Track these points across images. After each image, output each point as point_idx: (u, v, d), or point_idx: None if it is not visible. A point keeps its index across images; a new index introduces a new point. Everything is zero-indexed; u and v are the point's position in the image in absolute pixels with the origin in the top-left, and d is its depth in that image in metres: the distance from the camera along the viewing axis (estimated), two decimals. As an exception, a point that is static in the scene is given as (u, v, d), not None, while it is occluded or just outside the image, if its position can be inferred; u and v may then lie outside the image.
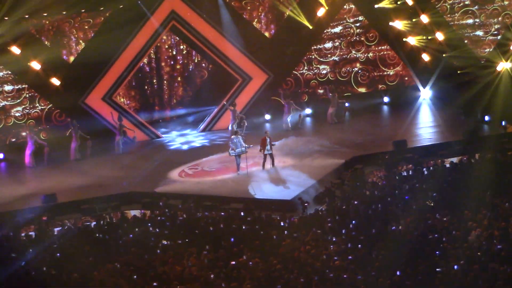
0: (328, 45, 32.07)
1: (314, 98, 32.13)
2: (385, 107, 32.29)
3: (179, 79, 32.29)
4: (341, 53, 32.16)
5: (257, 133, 27.60)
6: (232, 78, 31.16)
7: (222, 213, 19.94)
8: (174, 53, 32.05)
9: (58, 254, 17.28)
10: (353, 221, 17.72)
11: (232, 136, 24.36)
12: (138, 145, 29.65)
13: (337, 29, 31.98)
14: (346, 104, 31.30)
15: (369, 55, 32.41)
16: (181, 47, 32.05)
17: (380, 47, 32.43)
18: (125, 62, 29.71)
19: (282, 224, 18.45)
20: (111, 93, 29.81)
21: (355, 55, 32.32)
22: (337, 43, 32.06)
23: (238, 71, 31.03)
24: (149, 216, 20.26)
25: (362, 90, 32.63)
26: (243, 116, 29.03)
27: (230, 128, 29.20)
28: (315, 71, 32.08)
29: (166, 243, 17.75)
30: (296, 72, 32.06)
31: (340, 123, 29.83)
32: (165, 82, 32.11)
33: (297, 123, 29.85)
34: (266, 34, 31.40)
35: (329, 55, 32.11)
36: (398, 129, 28.22)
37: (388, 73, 32.65)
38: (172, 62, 32.06)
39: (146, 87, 31.95)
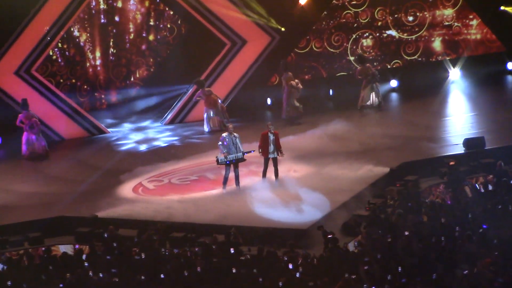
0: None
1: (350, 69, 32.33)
2: (453, 85, 32.47)
3: (134, 45, 32.34)
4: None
5: (255, 127, 27.66)
6: (216, 42, 31.23)
7: (197, 249, 19.91)
8: (126, 5, 32.16)
9: None
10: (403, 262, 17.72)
11: (223, 135, 24.14)
12: (71, 145, 29.69)
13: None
14: (393, 84, 31.39)
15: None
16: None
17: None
18: (50, 18, 29.75)
19: (292, 266, 18.44)
20: (29, 64, 29.87)
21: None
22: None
23: (225, 32, 31.11)
24: (87, 254, 20.25)
25: (417, 58, 32.80)
26: (223, 106, 29.52)
27: (207, 125, 29.43)
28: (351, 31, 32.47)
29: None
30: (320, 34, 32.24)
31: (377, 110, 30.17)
32: (112, 50, 32.13)
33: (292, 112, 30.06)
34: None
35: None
36: (472, 121, 28.31)
37: (465, 33, 32.83)
38: (122, 20, 32.09)
39: (83, 58, 31.98)
